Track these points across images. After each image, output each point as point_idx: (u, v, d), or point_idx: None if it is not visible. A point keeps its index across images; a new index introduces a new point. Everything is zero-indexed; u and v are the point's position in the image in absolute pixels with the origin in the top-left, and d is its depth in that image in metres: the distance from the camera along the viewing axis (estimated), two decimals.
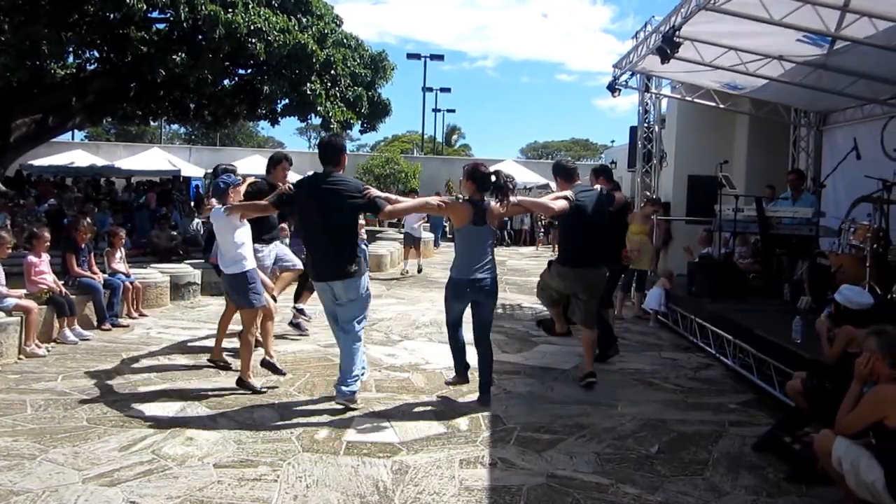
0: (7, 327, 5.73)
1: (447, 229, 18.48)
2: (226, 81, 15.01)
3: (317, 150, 5.12)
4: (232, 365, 5.56)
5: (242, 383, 4.99)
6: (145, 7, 10.84)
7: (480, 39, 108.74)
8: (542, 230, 20.93)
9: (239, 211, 5.01)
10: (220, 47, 11.95)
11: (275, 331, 5.79)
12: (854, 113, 9.04)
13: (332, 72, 14.37)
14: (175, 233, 13.03)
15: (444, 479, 3.63)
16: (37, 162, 19.83)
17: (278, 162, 6.13)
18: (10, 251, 6.29)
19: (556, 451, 4.07)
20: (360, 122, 16.26)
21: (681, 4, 6.49)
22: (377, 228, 17.36)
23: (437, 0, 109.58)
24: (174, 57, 11.94)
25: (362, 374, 4.88)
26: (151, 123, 25.64)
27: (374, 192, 4.71)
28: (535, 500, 3.43)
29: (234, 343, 6.04)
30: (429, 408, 4.82)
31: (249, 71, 14.66)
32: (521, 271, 13.96)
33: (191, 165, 23.59)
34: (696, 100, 10.24)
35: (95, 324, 7.07)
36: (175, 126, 38.43)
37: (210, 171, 23.09)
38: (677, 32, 6.50)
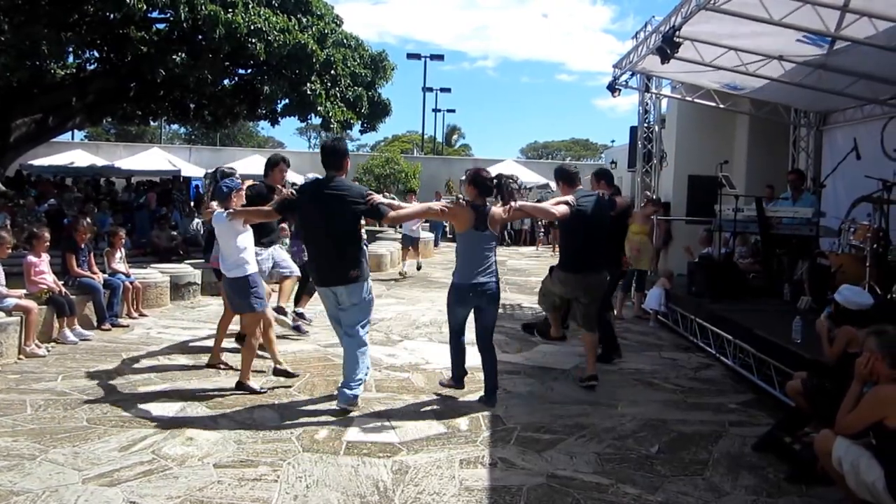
0: (7, 327, 5.73)
1: (447, 229, 18.48)
2: (226, 81, 15.00)
3: (316, 150, 5.13)
4: (232, 364, 5.56)
5: (242, 386, 4.99)
6: (145, 7, 10.83)
7: (480, 39, 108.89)
8: (542, 230, 20.93)
9: (242, 216, 5.01)
10: (220, 47, 11.94)
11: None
12: (854, 113, 9.05)
13: (332, 72, 14.36)
14: (175, 233, 13.02)
15: (444, 479, 3.63)
16: (37, 162, 19.83)
17: (276, 164, 6.10)
18: (10, 251, 6.28)
19: (557, 451, 4.07)
20: (360, 122, 16.25)
21: (681, 4, 6.49)
22: (377, 228, 17.34)
23: (437, 0, 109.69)
24: (174, 57, 11.93)
25: (365, 377, 4.89)
26: (151, 123, 25.63)
27: (377, 197, 4.70)
28: (535, 500, 3.43)
29: (234, 343, 6.06)
30: (429, 408, 4.82)
31: (249, 71, 14.65)
32: (521, 271, 13.96)
33: (191, 165, 23.57)
34: (696, 100, 10.24)
35: (95, 324, 7.07)
36: (175, 126, 38.46)
37: (210, 171, 23.12)
38: (677, 32, 6.50)
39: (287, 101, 14.60)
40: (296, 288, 6.92)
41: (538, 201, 22.39)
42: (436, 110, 40.81)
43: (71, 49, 13.15)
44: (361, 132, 17.69)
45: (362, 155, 31.43)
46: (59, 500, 3.26)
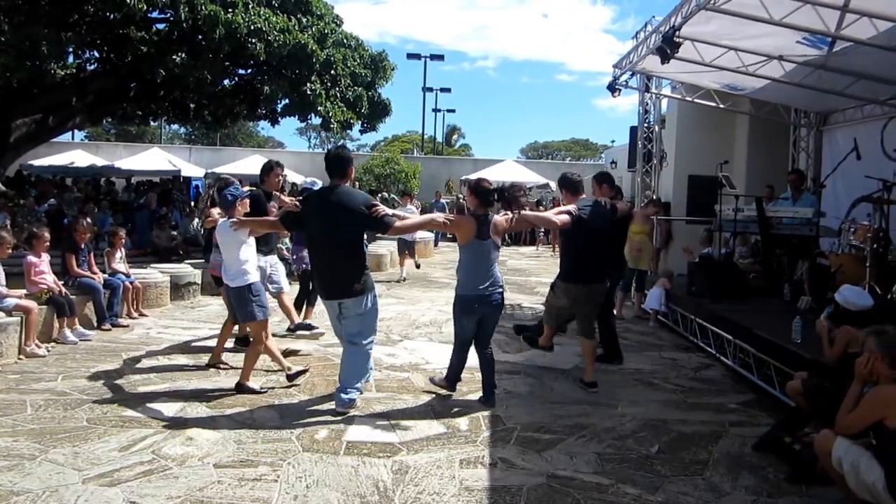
0: (7, 327, 5.73)
1: None
2: (226, 81, 14.98)
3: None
4: (232, 365, 5.56)
5: (242, 388, 4.98)
6: (145, 7, 10.81)
7: (480, 39, 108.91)
8: (542, 230, 20.92)
9: (248, 226, 5.00)
10: (220, 47, 11.92)
11: (274, 330, 5.80)
12: (854, 113, 9.05)
13: (333, 72, 14.35)
14: (175, 233, 13.01)
15: (444, 479, 3.63)
16: (37, 162, 19.83)
17: (270, 170, 6.07)
18: (10, 251, 6.29)
19: (557, 451, 4.07)
20: (360, 122, 16.23)
21: (681, 4, 6.48)
22: None
23: (437, 0, 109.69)
24: (174, 57, 11.92)
25: (365, 382, 4.88)
26: (151, 123, 25.60)
27: (382, 209, 4.68)
28: (535, 500, 3.43)
29: (233, 343, 6.06)
30: (429, 408, 4.82)
31: (249, 71, 14.63)
32: (521, 271, 13.97)
33: (191, 165, 23.59)
34: (696, 100, 10.24)
35: (95, 324, 7.07)
36: (175, 126, 38.39)
37: (210, 171, 23.14)
38: (677, 32, 6.50)
39: (287, 101, 14.58)
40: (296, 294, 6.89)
41: (538, 201, 22.28)
42: (436, 110, 40.92)
43: (71, 49, 13.12)
44: (361, 132, 17.66)
45: (362, 155, 31.43)
46: (59, 500, 3.26)
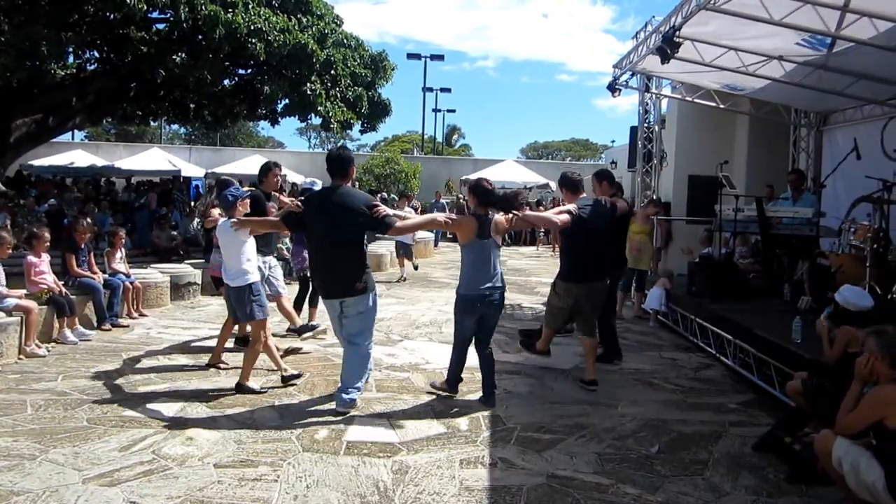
0: (7, 327, 5.73)
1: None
2: (226, 81, 14.98)
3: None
4: (232, 365, 5.56)
5: (242, 388, 4.98)
6: (145, 7, 10.81)
7: (480, 39, 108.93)
8: (543, 230, 20.93)
9: (249, 226, 5.01)
10: (220, 47, 11.92)
11: (274, 330, 5.79)
12: (854, 113, 9.05)
13: (333, 72, 14.35)
14: (175, 233, 13.02)
15: (444, 479, 3.63)
16: (37, 162, 19.84)
17: (268, 170, 6.09)
18: (10, 251, 6.29)
19: (557, 451, 4.07)
20: (360, 122, 16.24)
21: (681, 4, 6.48)
22: None
23: (437, 0, 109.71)
24: (174, 57, 11.92)
25: (365, 382, 4.88)
26: (151, 123, 25.59)
27: (383, 209, 4.68)
28: (535, 500, 3.43)
29: (233, 343, 6.06)
30: (429, 408, 4.82)
31: (249, 71, 14.63)
32: (522, 271, 13.97)
33: (191, 165, 23.59)
34: (696, 100, 10.24)
35: (95, 324, 7.07)
36: (175, 126, 38.39)
37: (210, 171, 23.15)
38: (677, 32, 6.50)
39: (287, 101, 14.58)
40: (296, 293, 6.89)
41: (538, 201, 22.29)
42: (436, 110, 40.92)
43: (71, 49, 13.11)
44: (361, 132, 17.67)
45: (362, 155, 31.44)
46: (59, 500, 3.26)
